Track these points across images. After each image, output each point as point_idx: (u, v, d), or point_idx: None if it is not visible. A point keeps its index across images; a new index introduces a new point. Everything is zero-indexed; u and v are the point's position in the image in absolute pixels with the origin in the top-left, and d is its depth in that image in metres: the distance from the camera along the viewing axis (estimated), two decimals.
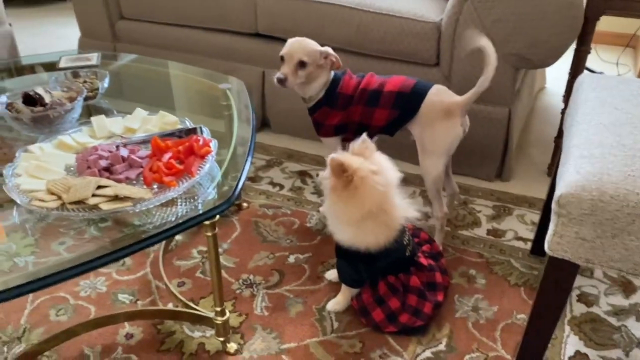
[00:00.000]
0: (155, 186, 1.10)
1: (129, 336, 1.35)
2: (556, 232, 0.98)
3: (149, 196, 1.06)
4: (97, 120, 1.31)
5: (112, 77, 1.55)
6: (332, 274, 1.52)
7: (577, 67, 1.82)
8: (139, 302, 1.45)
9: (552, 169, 1.91)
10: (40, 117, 1.29)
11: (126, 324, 1.38)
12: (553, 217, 0.98)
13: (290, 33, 1.60)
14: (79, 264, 0.95)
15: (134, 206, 1.04)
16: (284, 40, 1.55)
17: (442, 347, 1.32)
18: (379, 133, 1.52)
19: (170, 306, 1.43)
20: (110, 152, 1.15)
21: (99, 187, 1.05)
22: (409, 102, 1.44)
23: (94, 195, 1.04)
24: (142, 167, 1.14)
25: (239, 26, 2.13)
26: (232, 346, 1.31)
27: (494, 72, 1.35)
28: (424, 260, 1.38)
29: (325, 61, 1.48)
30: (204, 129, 1.29)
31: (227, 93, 1.57)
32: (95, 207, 1.03)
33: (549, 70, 2.75)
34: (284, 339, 1.34)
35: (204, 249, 1.63)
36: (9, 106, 1.32)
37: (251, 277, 1.53)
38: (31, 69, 1.79)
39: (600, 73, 2.54)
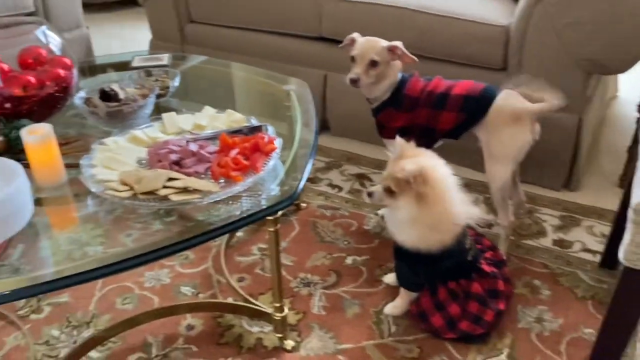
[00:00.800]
0: (222, 180, 1.13)
1: (190, 327, 1.39)
2: (632, 241, 0.93)
3: (216, 189, 1.09)
4: (168, 116, 1.36)
5: (180, 77, 1.60)
6: (390, 278, 1.50)
7: None
8: (200, 295, 1.49)
9: (624, 180, 1.83)
10: (115, 112, 1.35)
11: (187, 315, 1.42)
12: (629, 226, 0.94)
13: None
14: (149, 251, 0.99)
15: (202, 198, 1.07)
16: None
17: (503, 357, 1.28)
18: (444, 137, 1.49)
19: (230, 300, 1.46)
20: (180, 146, 1.19)
21: (169, 179, 1.09)
22: (477, 106, 1.42)
23: (164, 187, 1.07)
24: (210, 161, 1.17)
25: (304, 30, 2.16)
26: (289, 343, 1.32)
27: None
28: (486, 267, 1.35)
29: (394, 56, 1.47)
30: (269, 127, 1.31)
31: (291, 94, 1.60)
32: (165, 198, 1.06)
33: (621, 78, 2.63)
34: (341, 340, 1.34)
35: (264, 246, 1.65)
36: (87, 101, 1.39)
37: (309, 276, 1.54)
38: (104, 68, 1.88)
39: None
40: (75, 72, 1.41)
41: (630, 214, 0.93)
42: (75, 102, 1.38)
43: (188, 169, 1.14)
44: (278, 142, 1.23)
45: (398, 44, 1.47)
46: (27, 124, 1.21)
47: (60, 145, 1.18)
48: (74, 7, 2.54)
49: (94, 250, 1.03)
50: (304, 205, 1.83)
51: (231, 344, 1.34)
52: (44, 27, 1.40)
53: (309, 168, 1.21)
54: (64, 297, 1.49)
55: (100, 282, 1.53)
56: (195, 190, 1.08)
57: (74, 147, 1.30)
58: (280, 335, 1.32)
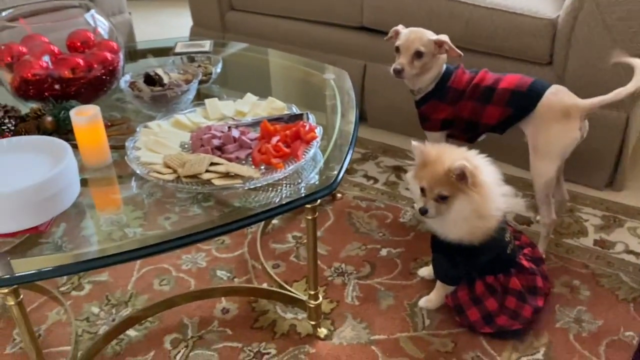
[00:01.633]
0: (262, 167, 1.13)
1: (225, 311, 1.41)
2: None
3: (257, 175, 1.09)
4: (210, 102, 1.37)
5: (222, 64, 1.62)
6: (425, 271, 1.49)
7: None
8: (235, 280, 1.51)
9: None
10: (159, 97, 1.37)
11: (223, 299, 1.44)
12: None
13: None
14: (188, 234, 1.00)
15: (243, 184, 1.08)
16: (386, 34, 1.55)
17: (539, 355, 1.26)
18: (487, 131, 1.47)
19: (265, 286, 1.47)
20: (222, 132, 1.20)
21: (212, 164, 1.10)
22: (524, 101, 1.39)
23: (207, 171, 1.09)
24: (251, 148, 1.18)
25: (345, 19, 2.15)
26: (322, 331, 1.33)
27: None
28: (525, 263, 1.33)
29: (440, 50, 1.46)
30: (309, 115, 1.31)
31: (331, 83, 1.59)
32: (208, 182, 1.08)
33: None
34: (374, 330, 1.34)
35: (299, 234, 1.66)
36: (132, 85, 1.41)
37: (343, 266, 1.54)
38: (145, 54, 1.91)
39: None
40: (121, 55, 1.44)
41: None
42: (121, 85, 1.41)
43: (230, 155, 1.15)
44: (319, 131, 1.23)
45: (445, 38, 1.45)
46: (75, 105, 1.24)
47: (106, 127, 1.21)
48: None
49: (134, 232, 1.05)
50: (339, 195, 1.83)
51: (265, 328, 1.35)
52: (92, 11, 1.43)
53: (349, 158, 1.21)
54: (103, 275, 1.53)
55: (138, 263, 1.56)
56: (236, 176, 1.09)
57: (118, 130, 1.33)
58: (313, 323, 1.33)
